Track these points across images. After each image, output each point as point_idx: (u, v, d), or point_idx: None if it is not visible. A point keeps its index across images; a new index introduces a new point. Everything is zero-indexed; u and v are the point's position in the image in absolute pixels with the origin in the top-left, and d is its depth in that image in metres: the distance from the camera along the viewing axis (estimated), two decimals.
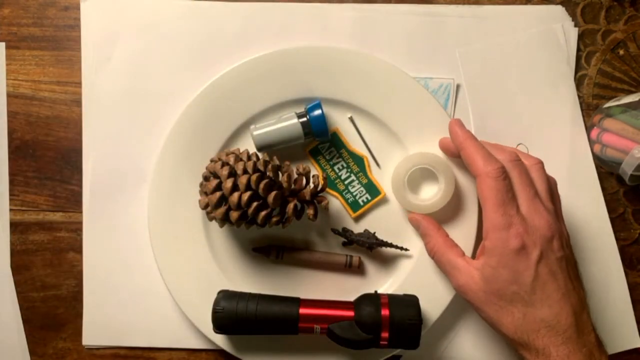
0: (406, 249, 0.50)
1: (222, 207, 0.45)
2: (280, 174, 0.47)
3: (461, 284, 0.43)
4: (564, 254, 0.41)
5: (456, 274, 0.44)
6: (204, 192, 0.47)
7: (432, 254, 0.47)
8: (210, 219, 0.47)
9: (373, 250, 0.51)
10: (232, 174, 0.45)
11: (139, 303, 0.53)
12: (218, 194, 0.44)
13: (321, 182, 0.47)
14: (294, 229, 0.52)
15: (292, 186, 0.47)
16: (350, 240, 0.50)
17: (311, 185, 0.48)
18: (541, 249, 0.40)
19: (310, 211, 0.47)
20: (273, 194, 0.45)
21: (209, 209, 0.46)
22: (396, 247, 0.50)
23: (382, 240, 0.50)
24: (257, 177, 0.44)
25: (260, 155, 0.48)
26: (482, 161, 0.43)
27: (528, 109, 0.53)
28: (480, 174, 0.42)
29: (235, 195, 0.44)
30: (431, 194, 0.49)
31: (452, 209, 0.50)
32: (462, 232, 0.49)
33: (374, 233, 0.51)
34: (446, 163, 0.48)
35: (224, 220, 0.45)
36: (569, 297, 0.40)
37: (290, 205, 0.46)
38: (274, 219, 0.46)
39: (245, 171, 0.45)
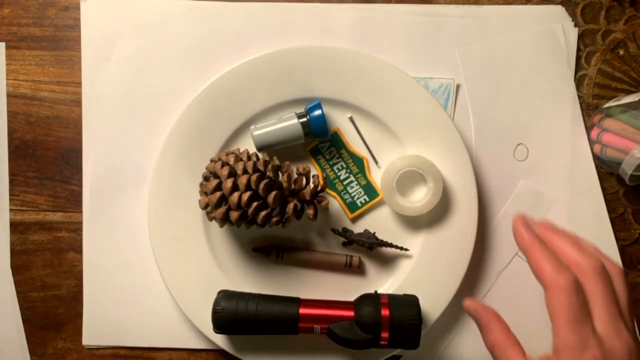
0: (406, 249, 0.50)
1: (222, 207, 0.45)
2: (280, 174, 0.47)
3: None
4: None
5: None
6: (204, 192, 0.47)
7: (492, 348, 0.41)
8: (211, 219, 0.47)
9: (373, 250, 0.51)
10: (232, 174, 0.45)
11: (139, 303, 0.53)
12: (218, 194, 0.44)
13: (321, 182, 0.47)
14: (294, 229, 0.52)
15: (292, 186, 0.47)
16: (350, 240, 0.50)
17: (311, 185, 0.48)
18: None
19: (310, 211, 0.47)
20: (273, 194, 0.45)
21: (209, 209, 0.46)
22: (396, 247, 0.50)
23: (382, 240, 0.50)
24: (257, 177, 0.44)
25: (260, 155, 0.48)
26: (551, 270, 0.37)
27: (528, 109, 0.53)
28: (550, 287, 0.37)
29: (235, 195, 0.44)
30: (421, 196, 0.49)
31: (445, 209, 0.50)
32: (459, 232, 0.50)
33: (374, 233, 0.51)
34: (432, 164, 0.49)
35: (224, 220, 0.45)
36: None
37: (290, 205, 0.46)
38: (274, 219, 0.46)
39: (245, 171, 0.45)
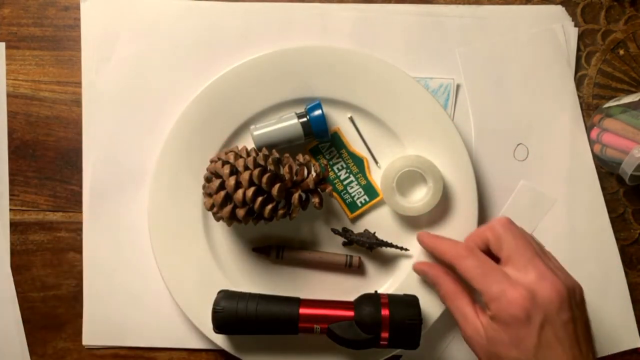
0: (406, 249, 0.50)
1: (227, 206, 0.45)
2: (281, 167, 0.47)
3: (468, 334, 0.42)
4: (571, 316, 0.38)
5: (464, 324, 0.42)
6: (207, 194, 0.47)
7: (444, 300, 0.45)
8: (218, 219, 0.47)
9: (373, 250, 0.51)
10: (234, 171, 0.45)
11: (139, 303, 0.53)
12: (222, 193, 0.44)
13: (317, 169, 0.47)
14: (294, 229, 0.52)
15: (295, 177, 0.47)
16: (350, 240, 0.50)
17: (313, 174, 0.48)
18: (545, 313, 0.38)
19: (315, 199, 0.47)
20: (277, 186, 0.45)
21: (215, 209, 0.46)
22: (396, 247, 0.50)
23: (382, 240, 0.50)
24: (259, 172, 0.44)
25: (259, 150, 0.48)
26: (450, 247, 0.44)
27: (528, 109, 0.53)
28: (455, 260, 0.42)
29: (240, 192, 0.44)
30: (421, 196, 0.49)
31: (445, 209, 0.50)
32: (459, 232, 0.49)
33: (374, 233, 0.51)
34: (432, 164, 0.49)
35: (231, 218, 0.45)
36: None
37: (295, 196, 0.46)
38: (281, 212, 0.46)
39: (246, 167, 0.45)
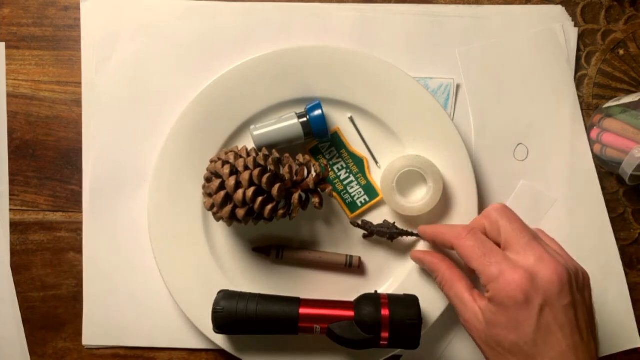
0: None
1: (228, 206, 0.45)
2: (281, 167, 0.47)
3: (466, 319, 0.41)
4: (572, 300, 0.37)
5: (462, 309, 0.41)
6: (207, 194, 0.47)
7: (441, 287, 0.45)
8: (218, 220, 0.47)
9: (394, 240, 0.50)
10: (234, 171, 0.45)
11: (139, 303, 0.53)
12: (222, 193, 0.45)
13: (317, 169, 0.47)
14: (294, 229, 0.52)
15: (295, 177, 0.47)
16: (371, 231, 0.50)
17: (313, 174, 0.48)
18: (544, 297, 0.36)
19: (315, 199, 0.48)
20: (277, 186, 0.45)
21: (214, 209, 0.46)
22: (417, 235, 0.50)
23: (403, 230, 0.50)
24: (259, 172, 0.44)
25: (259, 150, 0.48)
26: (450, 230, 0.43)
27: (528, 109, 0.53)
28: (455, 242, 0.42)
29: (240, 192, 0.44)
30: (421, 196, 0.49)
31: (445, 209, 0.50)
32: None
33: (394, 223, 0.50)
34: (432, 164, 0.49)
35: (231, 218, 0.45)
36: (576, 351, 0.36)
37: (295, 196, 0.46)
38: (281, 212, 0.46)
39: (246, 167, 0.45)
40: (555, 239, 0.42)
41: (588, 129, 0.53)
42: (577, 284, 0.38)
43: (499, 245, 0.41)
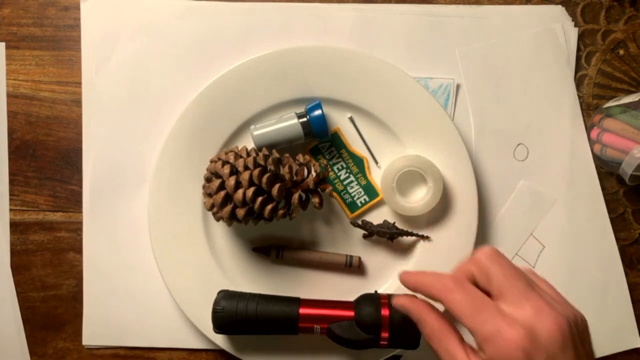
0: (427, 237, 0.50)
1: (228, 206, 0.45)
2: (281, 167, 0.47)
3: None
4: (575, 355, 0.33)
5: None
6: (207, 194, 0.47)
7: (429, 339, 0.39)
8: (218, 219, 0.47)
9: (394, 240, 0.50)
10: (234, 171, 0.45)
11: (139, 303, 0.53)
12: (222, 193, 0.45)
13: (317, 169, 0.47)
14: (294, 229, 0.52)
15: (295, 177, 0.47)
16: (371, 231, 0.50)
17: (313, 174, 0.48)
18: (547, 354, 0.33)
19: (315, 199, 0.48)
20: (277, 186, 0.45)
21: (214, 209, 0.46)
22: (418, 235, 0.50)
23: (403, 230, 0.50)
24: (259, 172, 0.44)
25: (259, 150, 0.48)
26: (434, 280, 0.38)
27: (528, 109, 0.53)
28: (441, 295, 0.37)
29: (240, 192, 0.44)
30: (421, 196, 0.49)
31: (445, 209, 0.50)
32: (459, 232, 0.50)
33: (394, 223, 0.50)
34: (432, 164, 0.49)
35: (231, 218, 0.45)
36: None
37: (295, 196, 0.46)
38: (280, 212, 0.46)
39: (246, 167, 0.45)
40: (547, 280, 0.39)
41: (588, 129, 0.53)
42: (578, 334, 0.35)
43: (488, 294, 0.37)
